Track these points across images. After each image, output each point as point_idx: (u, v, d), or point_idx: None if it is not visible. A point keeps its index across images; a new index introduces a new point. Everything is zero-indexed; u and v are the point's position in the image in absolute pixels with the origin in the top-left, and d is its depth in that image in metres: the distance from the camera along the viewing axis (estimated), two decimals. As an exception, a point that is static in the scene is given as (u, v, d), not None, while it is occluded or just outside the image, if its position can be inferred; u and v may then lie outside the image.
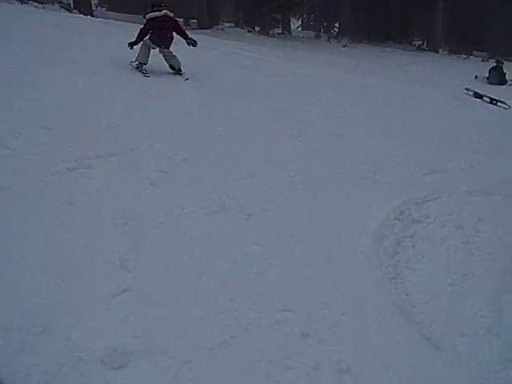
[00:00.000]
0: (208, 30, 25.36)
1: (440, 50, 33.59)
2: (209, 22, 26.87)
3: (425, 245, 4.85)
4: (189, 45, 10.46)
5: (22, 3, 21.52)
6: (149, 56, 10.18)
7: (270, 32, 29.53)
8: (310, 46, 25.20)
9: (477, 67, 22.57)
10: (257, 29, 29.09)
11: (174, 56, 10.41)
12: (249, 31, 26.98)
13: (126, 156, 5.79)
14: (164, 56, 10.43)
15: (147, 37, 10.10)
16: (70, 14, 19.99)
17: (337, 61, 18.73)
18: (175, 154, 6.07)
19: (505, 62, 18.87)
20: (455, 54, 33.26)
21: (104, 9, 46.49)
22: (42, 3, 22.37)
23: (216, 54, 13.63)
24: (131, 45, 10.11)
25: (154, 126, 7.02)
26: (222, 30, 26.28)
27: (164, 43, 10.20)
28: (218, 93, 9.53)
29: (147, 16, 10.09)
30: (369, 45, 30.52)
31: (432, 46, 33.53)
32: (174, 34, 10.36)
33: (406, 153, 7.58)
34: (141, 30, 10.09)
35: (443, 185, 6.48)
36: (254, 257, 4.23)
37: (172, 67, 10.54)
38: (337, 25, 38.70)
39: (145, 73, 10.07)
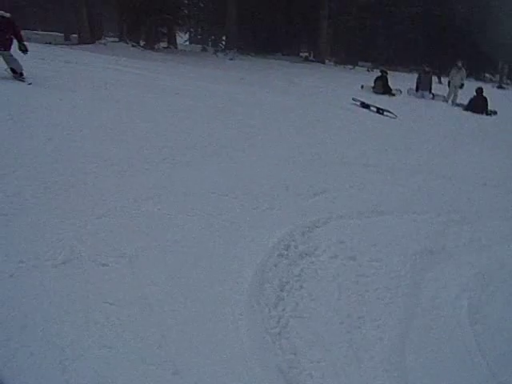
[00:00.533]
0: (90, 45, 24.13)
1: (326, 61, 33.94)
2: (91, 37, 25.53)
3: (314, 284, 4.14)
4: (20, 50, 10.19)
5: None
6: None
7: (156, 46, 28.53)
8: (196, 60, 24.40)
9: (362, 77, 22.70)
10: (142, 43, 28.02)
11: (15, 60, 10.13)
12: (133, 46, 25.82)
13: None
14: (4, 59, 10.14)
15: None
16: None
17: (224, 74, 18.12)
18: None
19: (389, 72, 18.92)
20: (341, 64, 33.71)
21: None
22: None
23: (90, 71, 12.65)
24: None
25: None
26: (105, 44, 24.95)
27: (2, 45, 9.87)
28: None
29: None
30: (256, 57, 30.19)
31: (318, 57, 33.77)
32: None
33: (288, 172, 6.96)
34: None
35: (332, 207, 5.89)
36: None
37: (13, 70, 10.18)
38: (224, 38, 38.64)
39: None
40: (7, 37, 9.91)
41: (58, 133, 7.02)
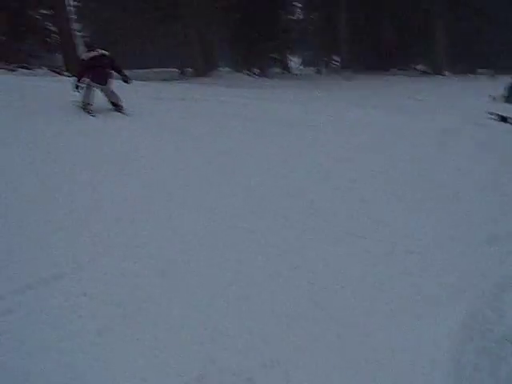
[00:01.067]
0: (205, 78, 24.08)
1: (445, 72, 32.12)
2: (205, 69, 25.52)
3: None
4: (124, 81, 10.97)
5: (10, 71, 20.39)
6: (92, 96, 10.60)
7: (269, 73, 28.17)
8: (311, 83, 23.73)
9: (488, 85, 20.89)
10: (255, 70, 27.77)
11: (115, 93, 10.85)
12: (248, 75, 25.63)
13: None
14: (105, 94, 10.84)
15: (87, 77, 10.54)
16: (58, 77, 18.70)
17: (344, 96, 17.19)
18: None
19: (518, 76, 17.02)
20: (460, 74, 31.74)
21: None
22: (30, 69, 21.19)
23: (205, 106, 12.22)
24: (76, 87, 10.42)
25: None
26: (220, 76, 24.90)
27: (103, 80, 10.62)
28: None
29: (82, 56, 10.80)
30: (372, 75, 29.02)
31: (436, 70, 32.03)
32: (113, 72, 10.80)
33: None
34: (80, 70, 10.57)
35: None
36: None
37: (113, 104, 10.89)
38: (336, 58, 37.80)
39: (90, 112, 10.49)
40: (106, 71, 10.65)
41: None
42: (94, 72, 10.49)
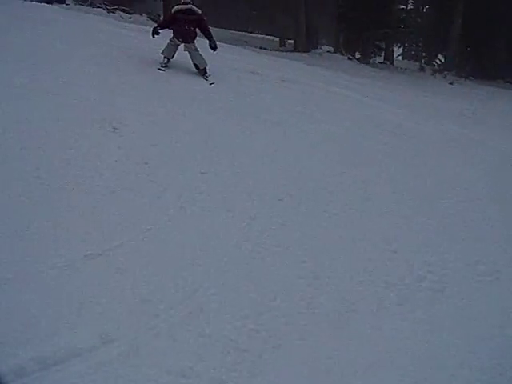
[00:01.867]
0: (305, 54, 22.56)
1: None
2: (307, 45, 23.95)
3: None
4: (210, 48, 10.30)
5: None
6: (174, 51, 9.99)
7: (371, 61, 26.25)
8: (414, 81, 21.88)
9: None
10: (357, 56, 25.94)
11: (200, 55, 10.05)
12: (349, 58, 23.87)
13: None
14: (189, 53, 10.11)
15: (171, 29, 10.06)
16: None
17: (445, 105, 15.33)
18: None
19: None
20: None
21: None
22: (130, 13, 20.19)
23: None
24: (153, 32, 10.03)
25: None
26: (320, 55, 23.29)
27: (185, 37, 9.93)
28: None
29: (173, 9, 10.22)
30: (475, 83, 26.70)
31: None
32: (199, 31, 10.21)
33: None
34: (164, 18, 10.43)
35: None
36: None
37: (196, 66, 10.13)
38: (439, 56, 35.28)
39: (163, 66, 9.86)
40: (192, 29, 9.94)
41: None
42: (178, 27, 9.85)
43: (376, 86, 15.26)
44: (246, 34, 31.52)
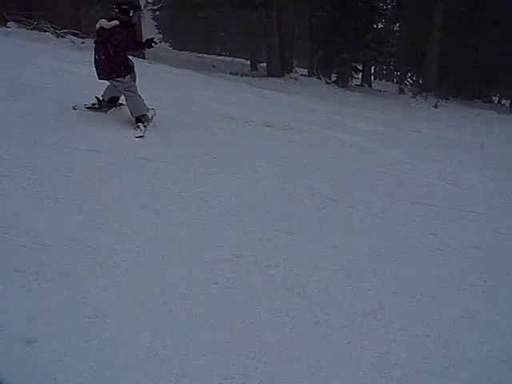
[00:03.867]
0: (280, 79, 19.87)
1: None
2: (280, 69, 21.21)
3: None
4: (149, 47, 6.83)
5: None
6: (111, 90, 6.79)
7: (349, 84, 23.68)
8: (399, 106, 19.31)
9: None
10: (333, 78, 23.34)
11: (132, 96, 6.60)
12: (327, 82, 21.24)
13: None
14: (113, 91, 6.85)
15: None
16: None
17: (448, 136, 12.59)
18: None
19: None
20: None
21: (168, 44, 41.86)
22: (83, 37, 17.20)
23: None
24: None
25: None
26: (296, 79, 20.59)
27: (98, 72, 6.44)
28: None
29: None
30: (457, 103, 24.42)
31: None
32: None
33: None
34: None
35: None
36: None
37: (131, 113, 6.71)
38: (414, 75, 33.23)
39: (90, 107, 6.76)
40: (101, 56, 6.31)
41: None
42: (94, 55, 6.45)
43: (363, 115, 12.56)
44: (215, 57, 28.86)
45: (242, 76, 19.57)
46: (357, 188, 6.23)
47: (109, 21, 6.26)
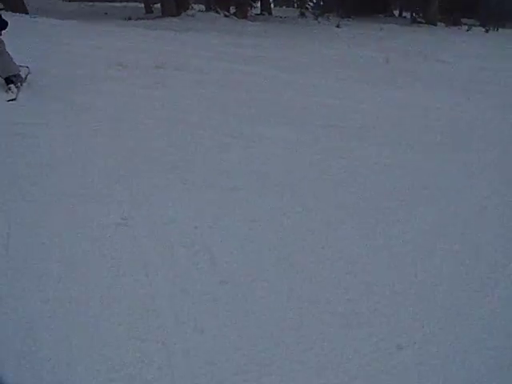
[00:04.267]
0: (175, 19, 18.87)
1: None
2: (176, 8, 20.12)
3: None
4: None
5: None
6: None
7: (249, 14, 22.90)
8: (303, 31, 18.74)
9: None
10: (232, 11, 22.47)
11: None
12: (225, 15, 20.41)
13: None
14: None
15: None
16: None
17: (353, 53, 12.25)
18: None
19: None
20: (454, 25, 26.70)
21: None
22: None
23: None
24: None
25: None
26: (193, 16, 19.63)
27: None
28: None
29: None
30: (359, 21, 24.12)
31: (428, 18, 27.01)
32: None
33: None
34: None
35: None
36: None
37: None
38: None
39: None
40: None
41: None
42: None
43: (266, 46, 11.97)
44: (107, 4, 27.17)
45: (135, 20, 18.46)
46: (262, 120, 5.74)
47: None
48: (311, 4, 34.84)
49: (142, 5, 24.97)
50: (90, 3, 26.70)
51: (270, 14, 25.97)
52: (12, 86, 5.87)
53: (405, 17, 31.11)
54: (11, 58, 6.01)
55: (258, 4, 26.28)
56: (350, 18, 25.09)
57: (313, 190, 4.07)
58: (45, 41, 9.27)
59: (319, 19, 23.85)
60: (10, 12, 13.49)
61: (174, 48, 9.96)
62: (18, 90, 5.86)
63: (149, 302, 2.62)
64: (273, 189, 4.04)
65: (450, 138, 5.56)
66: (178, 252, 3.08)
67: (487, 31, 22.71)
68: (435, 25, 26.14)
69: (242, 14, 21.77)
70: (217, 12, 20.80)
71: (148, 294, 2.68)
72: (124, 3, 28.04)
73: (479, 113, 6.72)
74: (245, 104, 6.36)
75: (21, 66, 6.25)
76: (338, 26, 21.41)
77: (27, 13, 16.61)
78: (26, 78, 6.20)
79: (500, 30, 23.24)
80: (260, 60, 9.32)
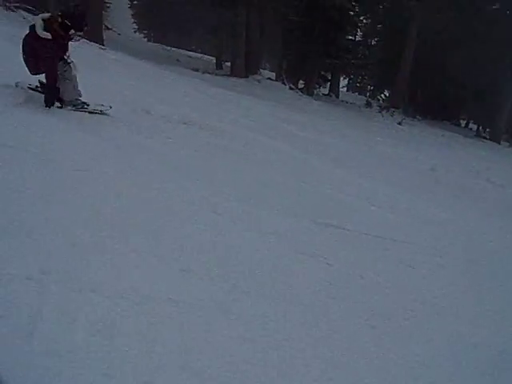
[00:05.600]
0: (242, 80, 18.71)
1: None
2: (245, 70, 19.99)
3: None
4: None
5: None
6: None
7: (315, 92, 22.63)
8: (363, 119, 18.33)
9: None
10: (300, 85, 22.26)
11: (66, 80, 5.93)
12: (291, 88, 20.11)
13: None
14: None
15: None
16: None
17: (404, 156, 11.56)
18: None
19: None
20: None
21: (143, 36, 40.44)
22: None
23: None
24: None
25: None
26: (259, 82, 19.41)
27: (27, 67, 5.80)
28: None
29: None
30: (422, 123, 23.67)
31: (493, 135, 26.39)
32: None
33: None
34: None
35: None
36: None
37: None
38: (385, 91, 32.39)
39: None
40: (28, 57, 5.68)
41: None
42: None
43: (322, 131, 11.40)
44: (183, 52, 27.52)
45: (203, 73, 18.43)
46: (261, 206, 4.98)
47: (48, 24, 5.60)
48: (382, 97, 34.49)
49: (212, 58, 25.19)
50: (168, 47, 27.08)
51: (338, 96, 25.72)
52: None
53: (471, 128, 30.56)
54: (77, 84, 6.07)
55: (328, 84, 26.06)
56: (414, 117, 24.60)
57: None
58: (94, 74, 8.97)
59: (383, 112, 23.41)
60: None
61: (219, 109, 9.53)
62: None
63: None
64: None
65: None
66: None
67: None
68: (499, 143, 25.50)
69: (308, 90, 21.56)
70: (283, 83, 20.56)
71: None
72: (201, 54, 28.42)
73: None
74: (254, 182, 5.70)
75: (103, 105, 6.27)
76: (399, 124, 20.98)
77: (103, 44, 16.79)
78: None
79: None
80: (297, 139, 8.72)
